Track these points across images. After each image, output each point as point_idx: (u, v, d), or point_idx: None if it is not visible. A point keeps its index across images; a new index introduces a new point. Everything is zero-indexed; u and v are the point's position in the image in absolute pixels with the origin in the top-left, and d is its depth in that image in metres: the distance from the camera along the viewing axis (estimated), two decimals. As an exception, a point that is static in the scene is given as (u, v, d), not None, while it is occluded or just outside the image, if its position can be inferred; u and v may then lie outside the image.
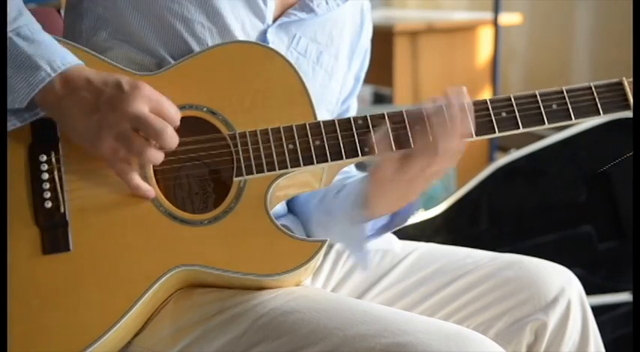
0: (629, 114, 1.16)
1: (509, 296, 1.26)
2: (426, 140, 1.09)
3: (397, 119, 1.11)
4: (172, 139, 1.02)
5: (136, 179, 1.05)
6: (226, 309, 1.07)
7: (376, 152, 1.11)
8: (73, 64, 1.04)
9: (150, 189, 1.07)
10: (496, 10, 3.12)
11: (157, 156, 1.03)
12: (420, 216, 2.12)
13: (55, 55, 1.04)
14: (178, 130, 1.04)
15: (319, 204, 1.28)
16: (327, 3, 1.25)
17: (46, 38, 1.06)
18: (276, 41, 1.22)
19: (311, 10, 1.24)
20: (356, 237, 1.22)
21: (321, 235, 1.23)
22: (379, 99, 3.27)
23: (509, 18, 3.41)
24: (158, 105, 1.02)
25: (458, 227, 2.15)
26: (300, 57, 1.25)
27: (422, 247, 1.37)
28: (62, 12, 1.30)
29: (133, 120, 1.00)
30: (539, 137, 2.33)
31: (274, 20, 1.23)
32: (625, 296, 2.12)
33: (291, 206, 1.34)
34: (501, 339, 1.23)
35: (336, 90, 1.31)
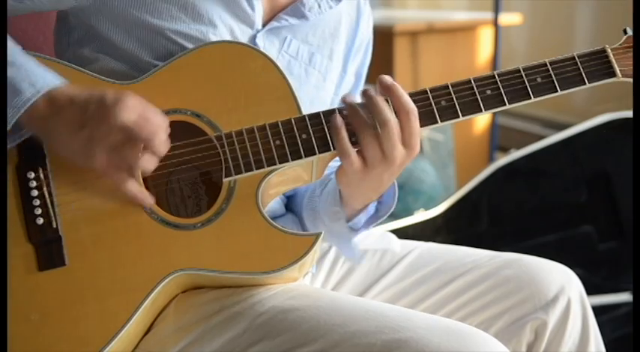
0: (613, 80, 1.14)
1: (509, 294, 1.26)
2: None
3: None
4: (163, 144, 1.02)
5: (134, 188, 1.04)
6: (226, 308, 1.07)
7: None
8: (55, 83, 1.03)
9: (148, 196, 1.06)
10: (496, 10, 3.11)
11: (150, 164, 1.03)
12: (420, 216, 2.12)
13: (37, 77, 1.03)
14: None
15: (308, 201, 1.28)
16: (319, 6, 1.24)
17: (25, 60, 1.05)
18: (267, 45, 1.21)
19: (302, 16, 1.22)
20: (341, 232, 1.21)
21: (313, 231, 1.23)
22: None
23: (509, 18, 3.40)
24: (144, 113, 1.01)
25: (458, 227, 2.14)
26: (292, 60, 1.23)
27: (421, 246, 1.37)
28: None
29: (122, 131, 0.99)
30: (539, 137, 2.33)
31: (265, 24, 1.21)
32: (625, 297, 2.12)
33: (289, 204, 1.34)
34: (501, 338, 1.23)
35: (330, 90, 1.30)
